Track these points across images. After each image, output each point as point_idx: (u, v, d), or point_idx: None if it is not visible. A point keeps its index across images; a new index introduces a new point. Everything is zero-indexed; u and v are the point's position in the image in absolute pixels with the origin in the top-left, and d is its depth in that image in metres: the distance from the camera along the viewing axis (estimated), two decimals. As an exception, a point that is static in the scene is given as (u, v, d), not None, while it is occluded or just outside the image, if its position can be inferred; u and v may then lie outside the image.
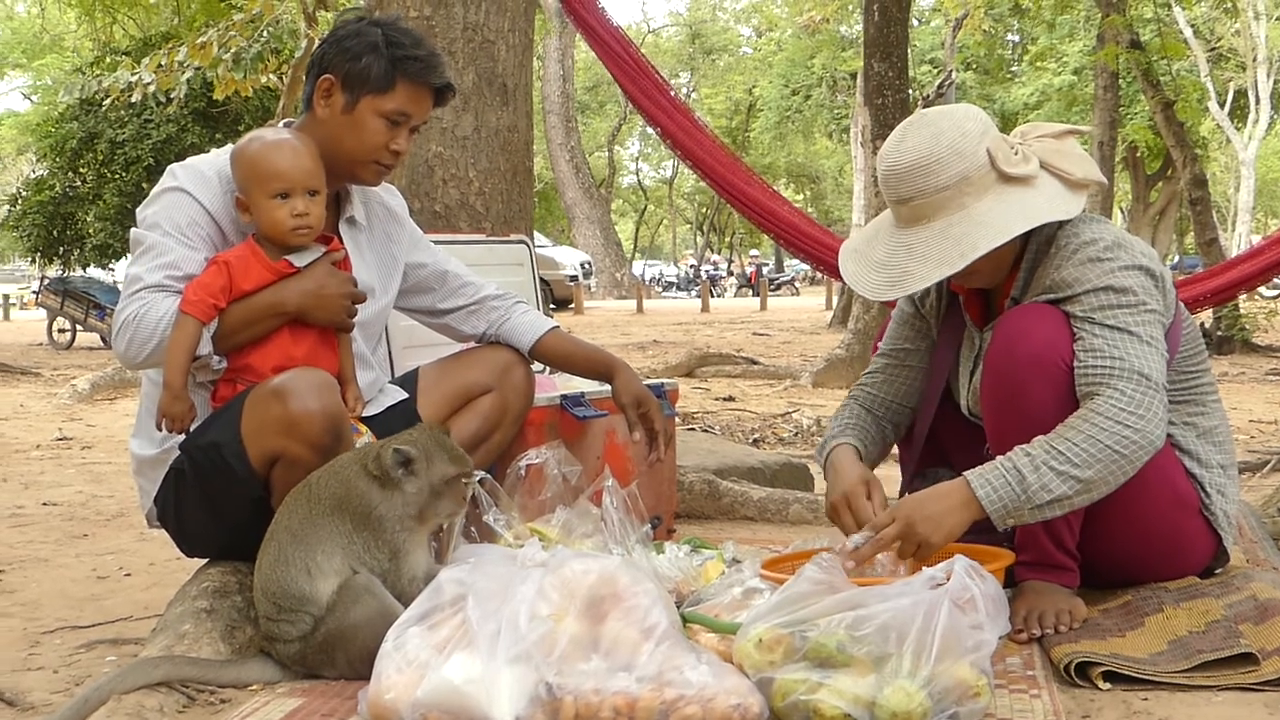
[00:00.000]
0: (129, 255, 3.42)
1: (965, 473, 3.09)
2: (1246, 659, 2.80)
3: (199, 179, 3.42)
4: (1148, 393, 3.06)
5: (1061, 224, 3.29)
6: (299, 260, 3.38)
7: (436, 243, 4.02)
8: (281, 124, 3.65)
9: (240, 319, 3.31)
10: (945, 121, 3.26)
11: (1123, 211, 42.98)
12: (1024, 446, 3.06)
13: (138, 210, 3.45)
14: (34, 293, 30.86)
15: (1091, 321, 3.15)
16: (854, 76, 34.30)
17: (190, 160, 3.52)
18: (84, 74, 21.45)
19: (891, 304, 3.74)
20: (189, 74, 11.77)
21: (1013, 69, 44.17)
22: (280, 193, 3.32)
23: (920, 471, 3.71)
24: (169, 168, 3.49)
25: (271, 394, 3.19)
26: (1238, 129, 36.92)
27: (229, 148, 3.52)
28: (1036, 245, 3.32)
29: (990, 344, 3.29)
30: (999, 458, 3.07)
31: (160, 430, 3.29)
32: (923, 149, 3.23)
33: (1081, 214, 3.31)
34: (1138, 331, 3.12)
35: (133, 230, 3.42)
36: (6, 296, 44.09)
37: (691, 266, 60.72)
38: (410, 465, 3.03)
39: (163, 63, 11.91)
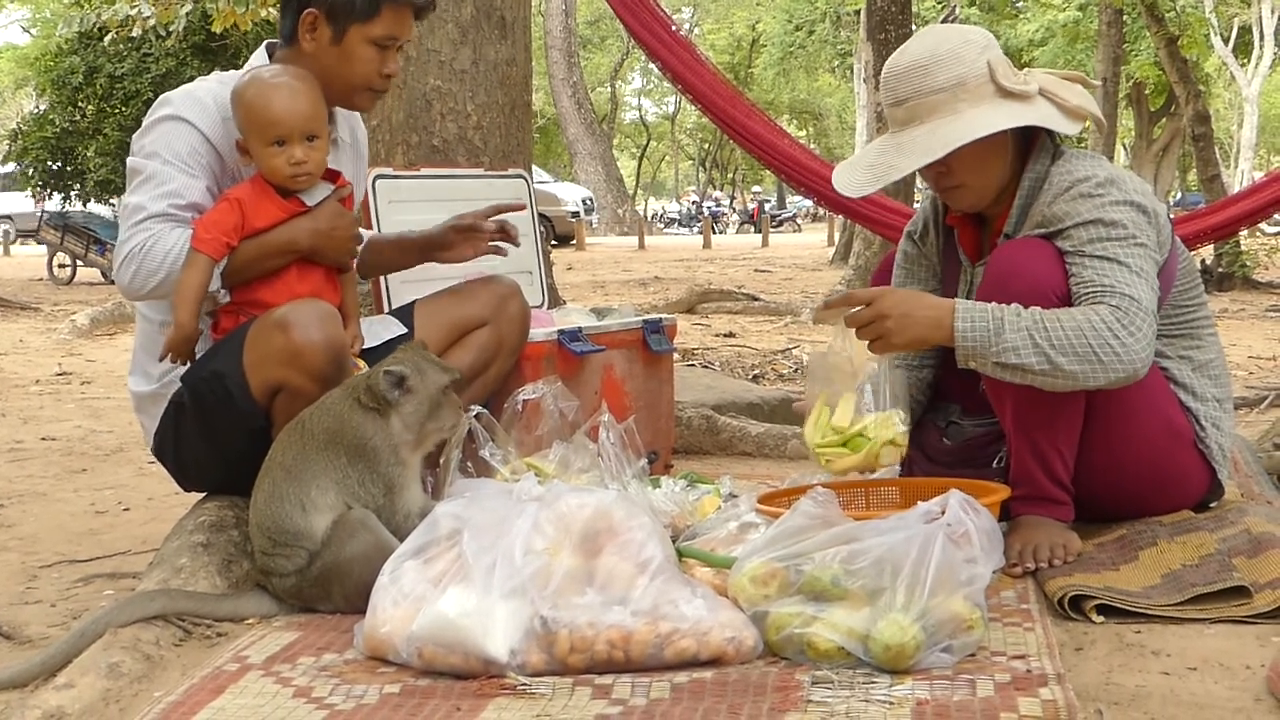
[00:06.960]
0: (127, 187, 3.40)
1: (957, 299, 3.12)
2: (1239, 592, 2.81)
3: (196, 106, 3.39)
4: (1140, 314, 3.06)
5: (1056, 161, 3.31)
6: (309, 198, 3.38)
7: (434, 176, 4.01)
8: (264, 47, 3.60)
9: (252, 256, 3.31)
10: (950, 31, 3.34)
11: (1126, 148, 42.81)
12: (1019, 306, 3.07)
13: (133, 139, 3.42)
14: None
15: (1082, 255, 3.15)
16: (858, 12, 34.01)
17: (185, 87, 3.48)
18: (83, 7, 21.29)
19: (896, 237, 3.73)
20: (187, 7, 11.65)
21: (1017, 4, 43.87)
22: (277, 140, 3.29)
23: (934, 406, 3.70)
24: (163, 96, 3.46)
25: (275, 325, 3.19)
26: (1241, 65, 36.64)
27: (221, 74, 3.49)
28: (1031, 181, 3.33)
29: (983, 279, 3.28)
30: (992, 303, 3.09)
31: (163, 363, 3.30)
32: (924, 51, 3.30)
33: (1077, 151, 3.34)
34: (1128, 262, 3.13)
35: (130, 160, 3.39)
36: (6, 232, 43.92)
37: (694, 203, 60.50)
38: (405, 383, 3.03)
39: (161, -5, 11.82)
